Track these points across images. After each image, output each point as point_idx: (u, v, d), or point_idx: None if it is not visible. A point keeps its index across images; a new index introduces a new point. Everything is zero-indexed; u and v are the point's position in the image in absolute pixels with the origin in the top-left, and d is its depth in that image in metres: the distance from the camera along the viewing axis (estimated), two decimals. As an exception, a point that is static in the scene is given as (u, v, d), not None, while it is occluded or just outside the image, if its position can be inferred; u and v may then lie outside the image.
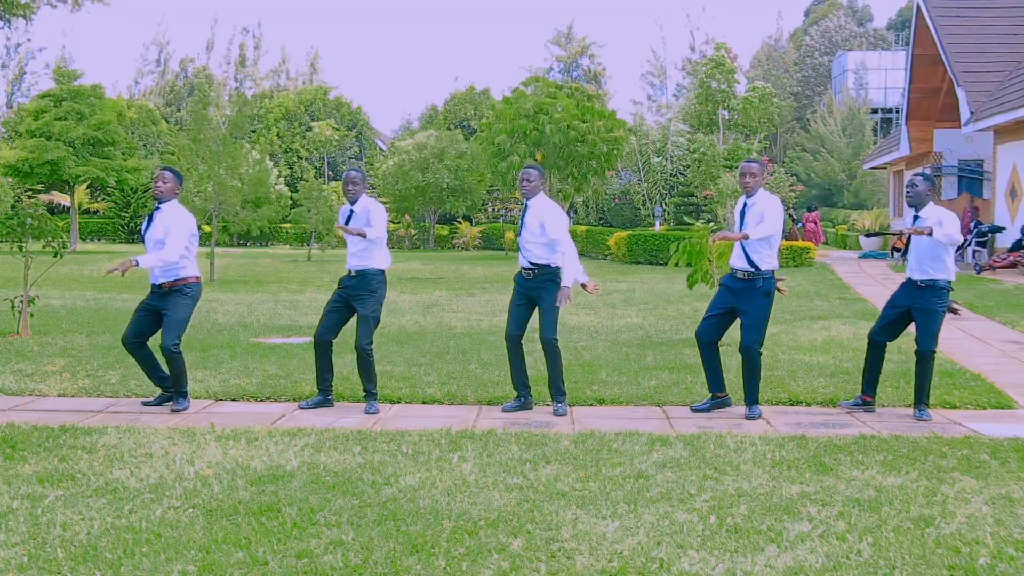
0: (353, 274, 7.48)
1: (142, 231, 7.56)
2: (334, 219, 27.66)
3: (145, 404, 7.61)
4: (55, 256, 11.41)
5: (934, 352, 7.26)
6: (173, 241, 7.27)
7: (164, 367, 7.63)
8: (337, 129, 48.51)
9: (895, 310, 7.38)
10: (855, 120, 50.17)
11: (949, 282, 7.24)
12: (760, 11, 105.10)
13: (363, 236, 7.29)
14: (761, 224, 7.11)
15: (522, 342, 7.54)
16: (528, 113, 30.81)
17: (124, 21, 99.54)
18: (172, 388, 7.49)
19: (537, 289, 7.44)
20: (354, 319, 7.59)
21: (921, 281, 7.21)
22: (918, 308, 7.22)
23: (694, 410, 7.43)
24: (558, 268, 7.43)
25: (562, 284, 7.33)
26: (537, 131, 30.17)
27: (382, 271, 7.53)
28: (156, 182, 7.46)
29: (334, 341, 7.58)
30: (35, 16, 29.28)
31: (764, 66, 61.92)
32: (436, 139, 39.60)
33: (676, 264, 11.65)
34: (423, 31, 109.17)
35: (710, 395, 7.54)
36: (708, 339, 7.43)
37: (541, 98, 31.27)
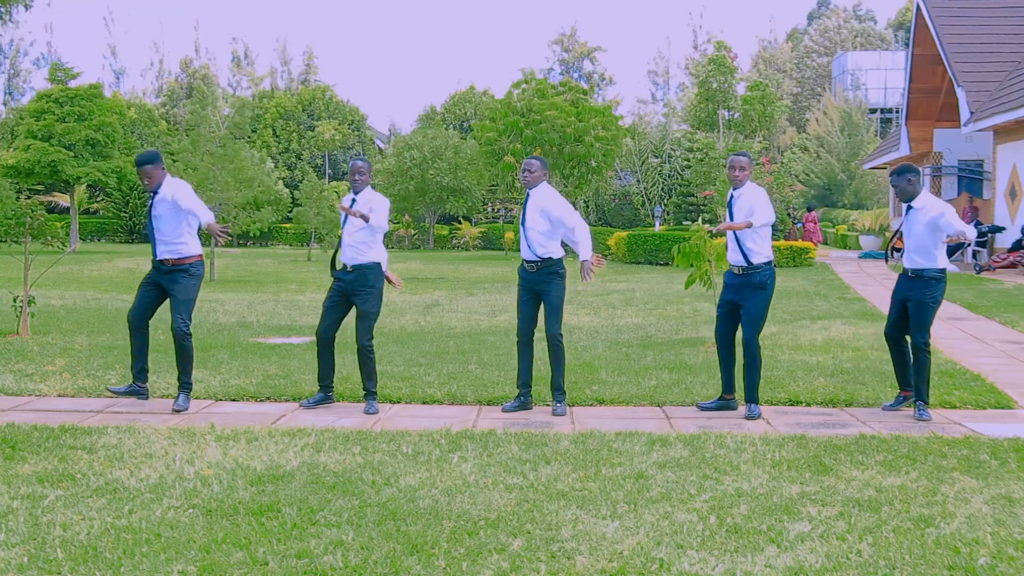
0: (349, 268, 7.42)
1: (148, 219, 7.48)
2: (336, 219, 27.64)
3: (110, 389, 7.59)
4: (57, 252, 11.45)
5: (927, 344, 7.29)
6: (185, 197, 7.23)
7: (148, 360, 7.64)
8: (339, 128, 48.42)
9: (897, 303, 7.52)
10: (851, 120, 50.19)
11: (942, 271, 7.28)
12: (759, 10, 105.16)
13: (366, 220, 7.19)
14: (755, 215, 7.19)
15: (533, 340, 7.52)
16: (522, 112, 30.79)
17: (106, 18, 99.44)
18: (178, 379, 7.45)
19: (541, 283, 7.42)
20: (352, 315, 7.59)
21: (912, 271, 7.32)
22: (910, 299, 7.31)
23: (700, 407, 7.50)
24: (561, 259, 7.44)
25: (582, 259, 7.36)
26: (530, 130, 30.16)
27: (378, 264, 7.49)
28: (143, 178, 7.45)
29: (334, 339, 7.58)
30: (32, 5, 29.14)
31: (761, 68, 61.95)
32: (431, 138, 39.54)
33: (679, 264, 11.67)
34: (423, 31, 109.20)
35: (720, 395, 7.59)
36: (724, 341, 7.52)
37: (532, 97, 31.23)
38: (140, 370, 7.57)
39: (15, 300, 11.40)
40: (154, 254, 7.47)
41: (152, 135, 47.26)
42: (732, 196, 7.40)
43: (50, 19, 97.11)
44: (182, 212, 7.29)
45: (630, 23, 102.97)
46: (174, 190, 7.32)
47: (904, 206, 7.43)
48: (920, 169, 7.60)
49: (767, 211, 7.20)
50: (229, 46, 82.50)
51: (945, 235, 7.14)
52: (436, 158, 38.74)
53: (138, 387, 7.59)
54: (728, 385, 7.53)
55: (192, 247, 7.43)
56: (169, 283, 7.39)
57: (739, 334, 7.43)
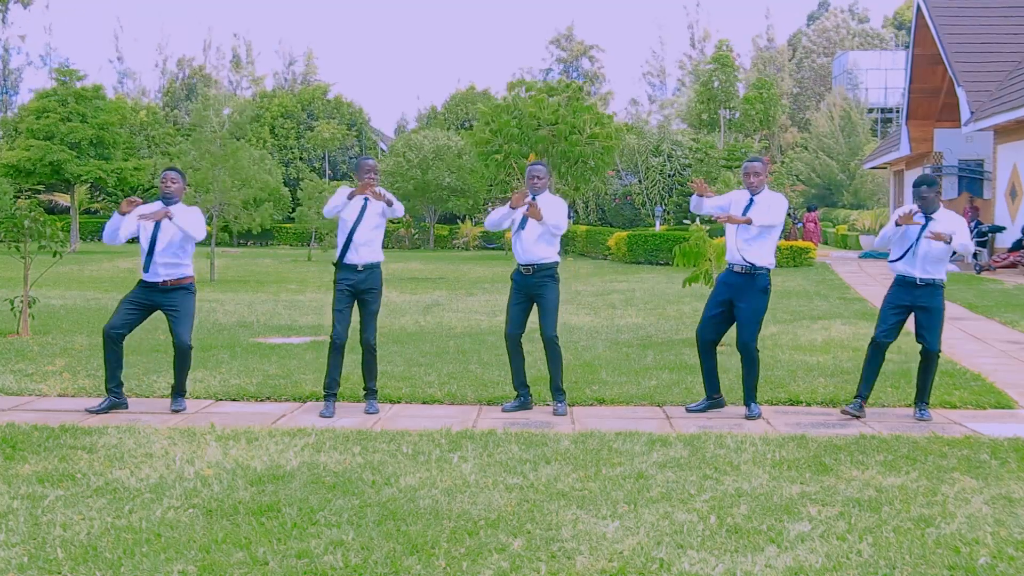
0: (360, 268, 7.44)
1: (147, 233, 7.44)
2: (335, 218, 27.54)
3: (89, 411, 7.28)
4: (54, 256, 11.46)
5: (940, 351, 7.29)
6: (197, 224, 7.39)
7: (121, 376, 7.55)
8: (338, 128, 48.34)
9: (899, 310, 7.33)
10: (851, 120, 50.20)
11: (943, 281, 7.29)
12: (755, 10, 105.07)
13: (390, 204, 7.35)
14: (767, 215, 7.16)
15: (521, 341, 7.55)
16: (517, 114, 30.84)
17: (115, 30, 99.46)
18: (173, 386, 7.49)
19: (538, 286, 7.44)
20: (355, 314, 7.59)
21: (921, 280, 7.22)
22: (923, 307, 7.23)
23: (689, 410, 7.46)
24: (556, 263, 7.48)
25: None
26: (520, 131, 30.19)
27: (381, 262, 7.61)
28: (164, 183, 7.47)
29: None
30: (31, 3, 29.08)
31: (760, 67, 61.95)
32: (433, 139, 39.56)
33: (680, 264, 11.68)
34: (423, 31, 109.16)
35: (706, 396, 7.56)
36: (708, 338, 7.44)
37: (525, 99, 31.29)
38: (117, 384, 7.42)
39: (12, 303, 11.40)
40: (147, 274, 7.41)
41: (161, 136, 47.24)
42: (752, 200, 7.27)
43: (49, 20, 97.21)
44: (188, 235, 7.40)
45: (625, 24, 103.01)
46: (189, 210, 7.50)
47: (922, 218, 7.23)
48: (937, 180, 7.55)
49: (775, 217, 7.17)
50: (230, 44, 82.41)
51: (949, 243, 7.06)
52: (438, 159, 38.74)
53: (116, 400, 7.41)
54: (713, 385, 7.48)
55: (192, 267, 7.57)
56: (170, 301, 7.44)
57: (726, 338, 7.41)
